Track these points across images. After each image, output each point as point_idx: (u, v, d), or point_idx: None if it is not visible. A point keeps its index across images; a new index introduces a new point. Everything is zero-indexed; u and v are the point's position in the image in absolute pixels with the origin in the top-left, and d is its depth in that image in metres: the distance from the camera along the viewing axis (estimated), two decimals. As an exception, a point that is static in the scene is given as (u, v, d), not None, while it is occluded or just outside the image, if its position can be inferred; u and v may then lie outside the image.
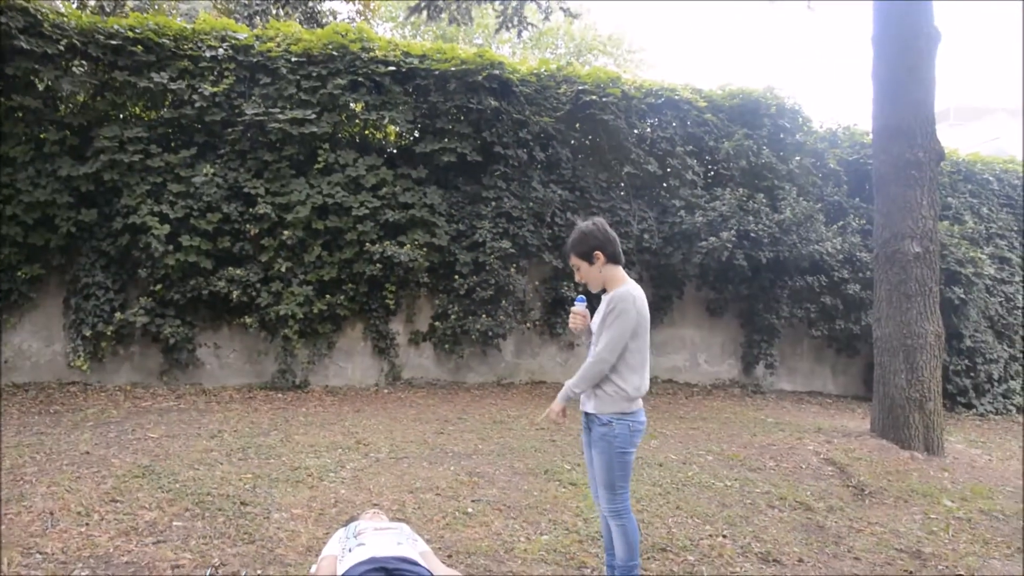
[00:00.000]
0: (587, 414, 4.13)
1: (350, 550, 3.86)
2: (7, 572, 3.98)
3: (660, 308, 12.99)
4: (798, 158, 13.60)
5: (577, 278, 4.20)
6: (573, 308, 4.25)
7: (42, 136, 9.89)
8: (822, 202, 13.23)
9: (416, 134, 11.67)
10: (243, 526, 4.95)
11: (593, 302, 4.12)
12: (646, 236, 12.35)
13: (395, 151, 11.76)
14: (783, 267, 12.62)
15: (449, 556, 4.60)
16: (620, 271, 4.14)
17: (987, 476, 7.78)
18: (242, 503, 5.43)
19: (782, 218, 12.10)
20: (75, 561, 4.19)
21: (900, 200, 8.75)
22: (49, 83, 9.87)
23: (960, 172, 15.30)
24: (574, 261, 4.15)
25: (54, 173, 9.78)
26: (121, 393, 9.78)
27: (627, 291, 4.01)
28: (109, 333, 9.93)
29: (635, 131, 12.66)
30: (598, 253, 4.06)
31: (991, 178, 15.51)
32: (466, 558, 4.61)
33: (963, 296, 13.00)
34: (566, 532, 5.17)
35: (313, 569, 4.06)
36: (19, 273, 9.83)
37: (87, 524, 4.83)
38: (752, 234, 11.89)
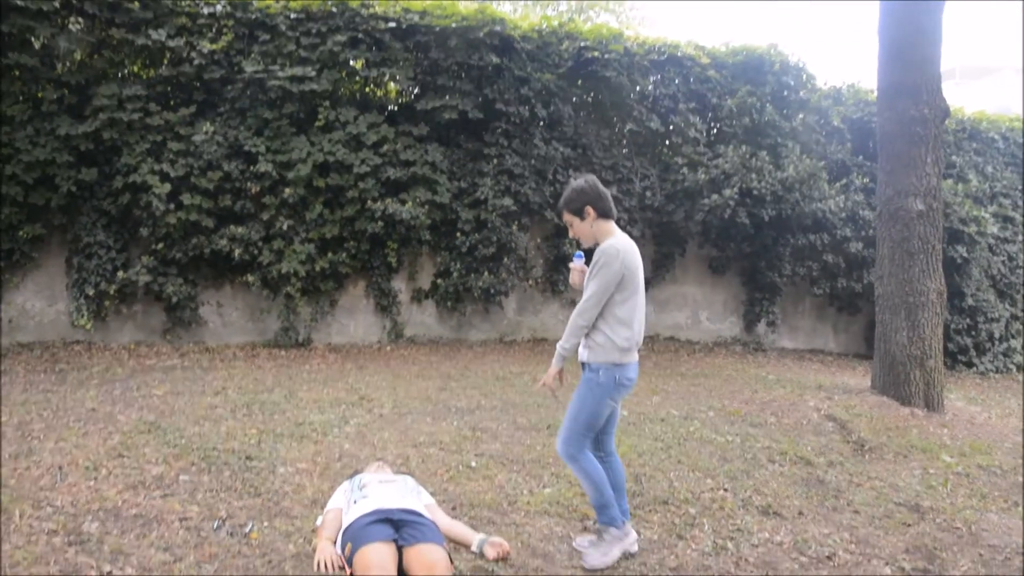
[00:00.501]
0: (582, 363, 4.18)
1: (355, 502, 3.90)
2: (19, 524, 4.03)
3: (662, 266, 13.00)
4: (801, 115, 13.50)
5: (571, 234, 4.28)
6: (572, 264, 4.35)
7: (40, 95, 9.81)
8: (825, 160, 13.16)
9: (417, 91, 11.58)
10: (249, 480, 5.00)
11: (592, 258, 4.13)
12: (648, 194, 12.31)
13: (396, 108, 11.67)
14: (786, 225, 12.59)
15: (453, 508, 4.65)
16: (611, 225, 4.21)
17: (986, 432, 7.83)
18: (247, 458, 5.47)
19: (785, 176, 12.04)
20: (84, 514, 4.24)
21: (904, 157, 8.71)
22: (45, 41, 9.76)
23: (965, 130, 15.17)
24: (567, 218, 4.23)
25: (53, 132, 9.71)
26: (125, 351, 9.82)
27: (612, 244, 4.05)
28: (112, 292, 9.94)
29: (637, 88, 12.55)
30: (589, 209, 4.13)
31: (996, 136, 15.38)
32: (470, 510, 4.66)
33: (966, 255, 12.99)
34: (568, 486, 5.22)
35: (319, 521, 4.12)
36: (20, 233, 9.80)
37: (95, 478, 4.88)
38: (755, 192, 11.84)
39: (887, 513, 5.16)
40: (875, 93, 10.08)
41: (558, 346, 4.11)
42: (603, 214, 4.16)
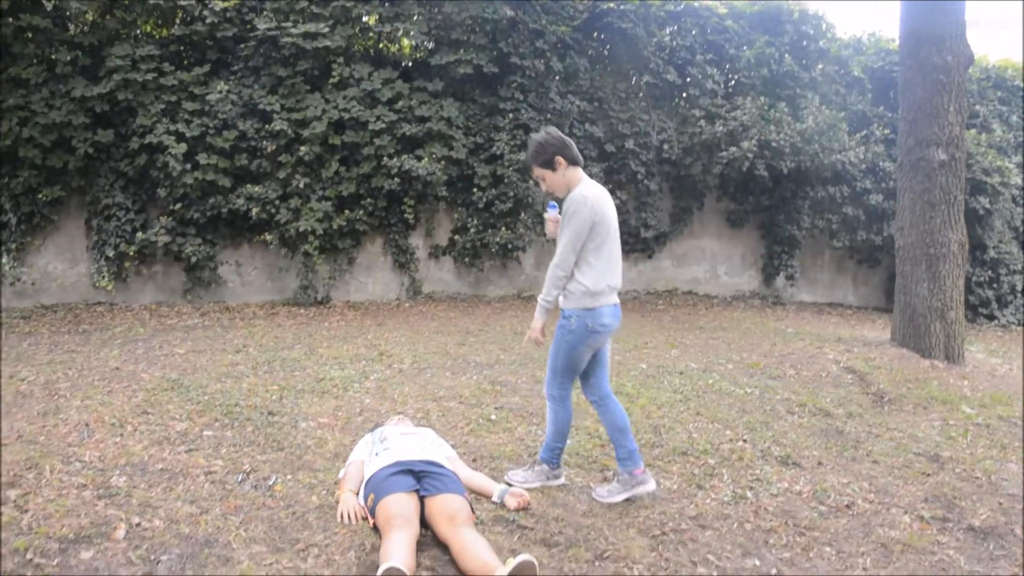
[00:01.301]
0: (561, 310, 4.24)
1: (377, 454, 3.94)
2: (50, 478, 4.11)
3: (680, 219, 12.93)
4: (821, 66, 13.31)
5: (544, 188, 4.25)
6: (546, 215, 4.32)
7: (53, 57, 9.79)
8: (845, 111, 12.98)
9: (431, 46, 11.47)
10: (271, 435, 5.06)
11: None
12: (665, 147, 12.21)
13: (410, 64, 11.59)
14: (805, 177, 12.47)
15: (473, 460, 4.69)
16: (580, 173, 4.20)
17: (1007, 384, 7.79)
18: (269, 413, 5.53)
19: (804, 127, 11.89)
20: (112, 468, 4.31)
21: (926, 106, 8.55)
22: (57, 1, 9.72)
23: (990, 79, 14.88)
24: (538, 172, 4.20)
25: (68, 94, 9.72)
26: (146, 312, 9.91)
27: (580, 192, 4.06)
28: (132, 253, 10.01)
29: (654, 40, 12.40)
30: (559, 159, 4.11)
31: (1022, 85, 15.08)
32: (490, 462, 4.70)
33: (988, 206, 12.83)
34: (588, 437, 5.26)
35: (341, 474, 4.16)
36: (40, 195, 9.86)
37: (121, 434, 4.95)
38: (773, 144, 11.70)
39: (906, 463, 5.16)
40: (897, 42, 9.90)
41: (540, 299, 4.16)
42: (572, 161, 4.16)
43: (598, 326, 4.13)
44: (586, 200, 4.02)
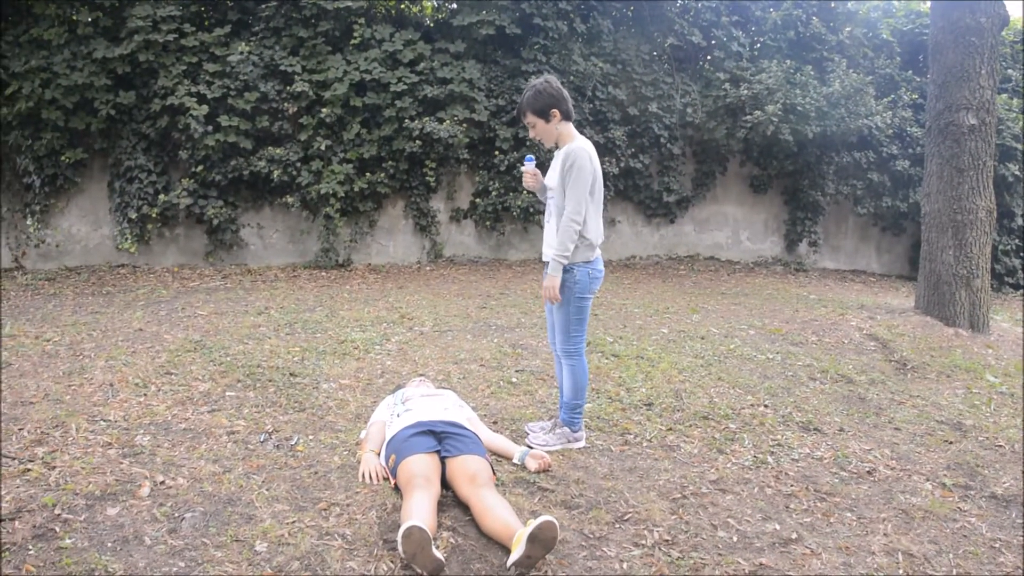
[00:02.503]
0: (546, 263, 4.25)
1: (398, 415, 3.95)
2: (76, 437, 4.17)
3: (703, 184, 12.82)
4: (849, 28, 13.06)
5: (532, 135, 4.26)
6: (524, 168, 4.32)
7: (74, 18, 9.77)
8: (873, 75, 12.76)
9: (453, 7, 11.36)
10: (293, 395, 5.09)
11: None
12: (689, 110, 12.07)
13: (432, 25, 11.48)
14: (830, 142, 12.30)
15: (494, 422, 4.71)
16: (572, 127, 4.22)
17: (1032, 353, 7.71)
18: (291, 374, 5.57)
19: (830, 91, 11.70)
20: (136, 428, 4.36)
21: (957, 69, 8.38)
22: (77, -40, 9.69)
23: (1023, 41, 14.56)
24: (530, 119, 4.18)
25: (89, 55, 9.71)
26: (169, 274, 9.98)
27: (581, 147, 4.08)
28: (154, 215, 10.05)
29: (679, 1, 12.20)
30: (554, 111, 4.12)
31: (1057, 48, 14.73)
32: (511, 424, 4.71)
33: (1017, 173, 12.62)
34: (609, 401, 5.25)
35: (362, 434, 4.19)
36: (63, 158, 9.90)
37: (145, 394, 5.00)
38: (799, 108, 11.53)
39: (928, 431, 5.13)
40: (928, 3, 9.70)
41: (554, 255, 4.09)
42: (566, 116, 4.17)
43: (597, 272, 4.25)
44: (590, 157, 4.08)
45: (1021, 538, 3.64)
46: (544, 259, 4.26)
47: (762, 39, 12.94)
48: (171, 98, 9.78)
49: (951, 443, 4.91)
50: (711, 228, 13.18)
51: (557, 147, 4.23)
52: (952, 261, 8.40)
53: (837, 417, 5.28)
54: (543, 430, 4.47)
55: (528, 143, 10.92)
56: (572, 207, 4.04)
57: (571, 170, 4.03)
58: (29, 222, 10.05)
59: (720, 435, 4.75)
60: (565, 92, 4.20)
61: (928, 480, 4.28)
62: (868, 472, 4.34)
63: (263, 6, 10.34)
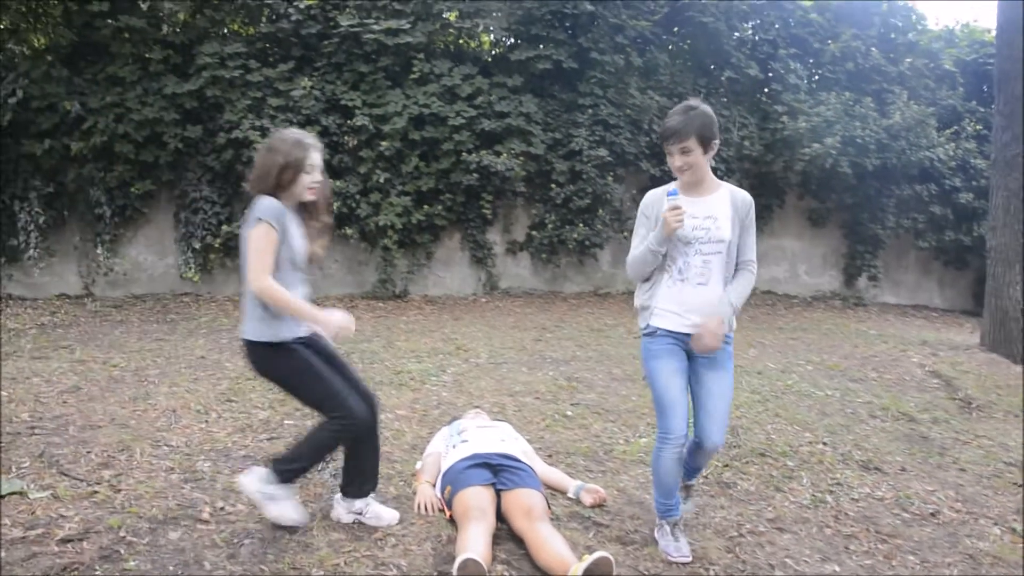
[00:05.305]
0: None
1: (454, 447, 3.98)
2: (140, 461, 4.28)
3: (760, 217, 12.69)
4: (910, 59, 12.92)
5: (677, 163, 3.41)
6: (674, 203, 3.35)
7: (147, 56, 10.14)
8: (935, 106, 12.57)
9: (511, 41, 11.52)
10: (350, 425, 5.16)
11: None
12: (746, 143, 12.01)
13: (490, 59, 11.66)
14: (890, 175, 12.13)
15: (550, 456, 4.70)
16: None
17: (1105, 392, 7.46)
18: (349, 404, 5.64)
19: (890, 123, 11.57)
20: (197, 453, 4.46)
21: (1024, 100, 8.25)
22: (152, 1, 10.06)
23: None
24: (689, 143, 3.34)
25: (160, 91, 10.06)
26: (230, 303, 10.20)
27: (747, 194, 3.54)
28: (217, 245, 10.31)
29: (735, 34, 12.22)
30: (716, 142, 3.41)
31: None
32: (566, 458, 4.71)
33: (1087, 204, 12.27)
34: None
35: (418, 465, 4.22)
36: (132, 189, 10.24)
37: (206, 421, 5.11)
38: (858, 140, 11.42)
39: (996, 472, 4.98)
40: (993, 33, 9.56)
41: (734, 304, 3.48)
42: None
43: None
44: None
45: (1094, 586, 3.52)
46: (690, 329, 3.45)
47: (820, 71, 12.86)
48: (236, 132, 10.06)
49: (1020, 486, 4.77)
50: (768, 262, 13.04)
51: (696, 185, 3.49)
52: (1020, 296, 8.21)
53: (899, 456, 5.16)
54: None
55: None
56: (753, 253, 3.56)
57: (751, 220, 3.51)
58: (99, 251, 10.38)
59: (778, 472, 4.68)
60: None
61: (996, 524, 4.16)
62: (932, 514, 4.23)
63: (325, 42, 10.61)
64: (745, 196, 3.51)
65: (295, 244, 3.46)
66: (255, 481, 3.53)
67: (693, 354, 3.50)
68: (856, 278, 13.15)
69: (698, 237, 3.43)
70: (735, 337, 3.68)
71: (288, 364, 3.51)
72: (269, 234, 3.32)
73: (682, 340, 3.48)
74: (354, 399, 3.55)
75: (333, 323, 3.46)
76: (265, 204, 3.32)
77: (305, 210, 3.61)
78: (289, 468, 3.52)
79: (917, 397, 6.68)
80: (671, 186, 3.46)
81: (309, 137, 3.49)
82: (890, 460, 5.07)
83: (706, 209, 3.45)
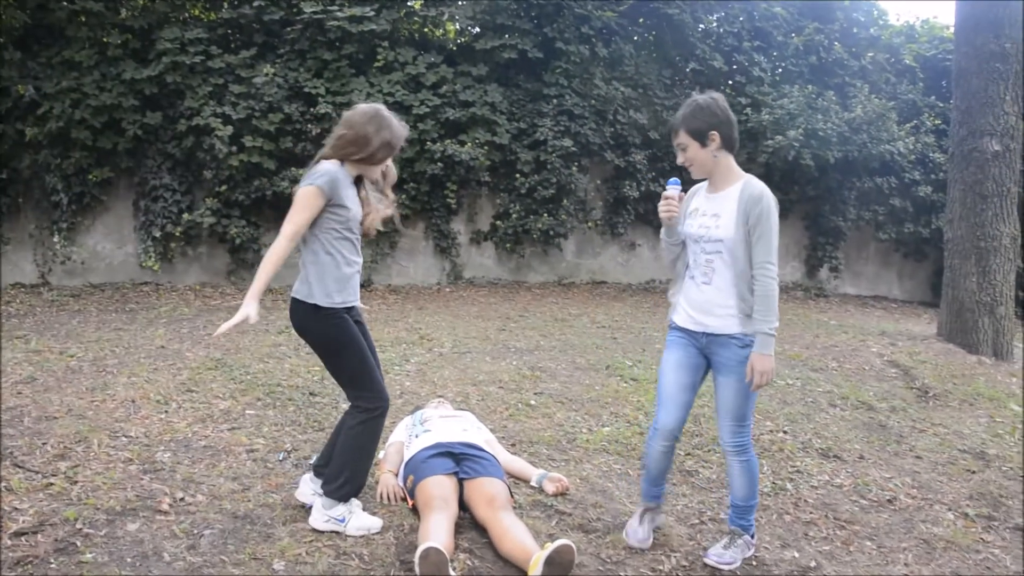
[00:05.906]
0: (716, 335, 3.38)
1: (416, 436, 3.96)
2: (97, 452, 4.21)
3: (723, 209, 12.81)
4: (871, 54, 13.08)
5: (681, 160, 3.40)
6: (667, 192, 3.40)
7: (105, 40, 9.93)
8: (895, 100, 12.73)
9: (476, 31, 11.46)
10: (312, 415, 5.12)
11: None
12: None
13: (455, 48, 11.58)
14: (851, 168, 12.27)
15: (513, 444, 4.71)
16: (734, 161, 3.41)
17: (1057, 381, 7.63)
18: (311, 394, 5.60)
19: (852, 116, 11.70)
20: (157, 444, 4.40)
21: (981, 95, 8.36)
22: (110, -16, 9.87)
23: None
24: (683, 139, 3.33)
25: (118, 76, 9.87)
26: (191, 292, 10.07)
27: (767, 189, 3.31)
28: (178, 234, 10.16)
29: (701, 26, 12.28)
30: (714, 134, 3.28)
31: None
32: (529, 447, 4.71)
33: (1042, 198, 12.51)
34: (627, 425, 5.24)
35: (381, 455, 4.19)
36: (90, 176, 10.04)
37: (166, 411, 5.04)
38: (820, 133, 11.52)
39: (951, 459, 5.08)
40: (952, 29, 9.70)
41: (767, 328, 3.22)
42: (728, 144, 3.35)
43: None
44: (774, 201, 3.31)
45: (1045, 570, 3.60)
46: (704, 330, 3.40)
47: (784, 64, 12.97)
48: (197, 119, 9.91)
49: (974, 472, 4.86)
50: (731, 252, 13.14)
51: (712, 181, 3.44)
52: (975, 288, 8.35)
53: (857, 444, 5.24)
54: (724, 548, 3.48)
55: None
56: (773, 260, 3.24)
57: (762, 218, 3.23)
58: (56, 239, 10.18)
59: (739, 461, 4.72)
60: (732, 116, 3.37)
61: (950, 510, 4.24)
62: (889, 501, 4.30)
63: (288, 29, 10.48)
64: (753, 191, 3.28)
65: (352, 209, 3.52)
66: (319, 513, 3.46)
67: (710, 356, 3.47)
68: (818, 269, 13.30)
69: (702, 235, 3.37)
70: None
71: (332, 330, 3.51)
72: (315, 197, 3.41)
73: (693, 337, 3.46)
74: (382, 382, 3.56)
75: (237, 319, 3.47)
76: (326, 168, 3.41)
77: (366, 181, 3.75)
78: (341, 486, 3.43)
79: (876, 386, 6.77)
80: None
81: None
82: (849, 448, 5.14)
83: (716, 206, 3.37)
